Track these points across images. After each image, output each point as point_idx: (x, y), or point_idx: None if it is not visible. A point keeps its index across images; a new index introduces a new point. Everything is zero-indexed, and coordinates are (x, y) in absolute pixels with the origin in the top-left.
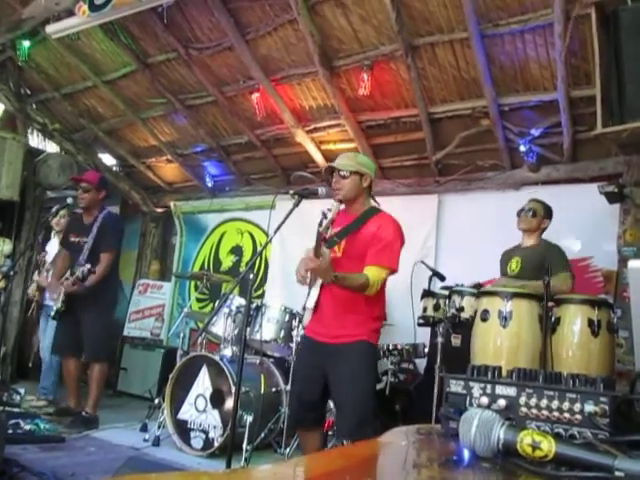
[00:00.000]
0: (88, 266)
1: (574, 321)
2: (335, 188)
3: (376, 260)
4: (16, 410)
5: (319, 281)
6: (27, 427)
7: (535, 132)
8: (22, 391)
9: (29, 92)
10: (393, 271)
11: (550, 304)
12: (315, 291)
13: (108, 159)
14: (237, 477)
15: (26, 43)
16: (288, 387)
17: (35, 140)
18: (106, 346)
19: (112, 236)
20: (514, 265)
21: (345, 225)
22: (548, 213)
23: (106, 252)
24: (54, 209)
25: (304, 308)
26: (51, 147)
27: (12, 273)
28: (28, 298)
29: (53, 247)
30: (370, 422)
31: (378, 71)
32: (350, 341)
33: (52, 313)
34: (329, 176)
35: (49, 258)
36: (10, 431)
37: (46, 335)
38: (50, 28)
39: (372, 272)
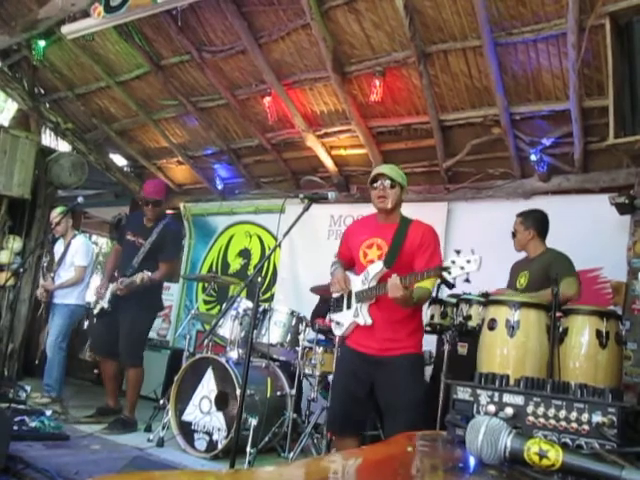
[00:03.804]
0: (149, 274)
1: (582, 332)
2: (380, 195)
3: None
4: (22, 407)
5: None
6: (32, 424)
7: (546, 142)
8: (28, 388)
9: (43, 91)
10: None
11: (558, 314)
12: (365, 308)
13: (119, 159)
14: (242, 477)
15: (41, 43)
16: (293, 391)
17: (48, 139)
18: (141, 352)
19: (174, 247)
20: (522, 280)
21: (390, 240)
22: (530, 222)
23: (166, 262)
24: (63, 209)
25: (337, 322)
26: (63, 146)
27: (21, 270)
28: (37, 297)
29: (59, 249)
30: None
31: (390, 77)
32: (401, 353)
33: (96, 311)
34: (370, 184)
35: (56, 258)
36: (15, 428)
37: (50, 332)
38: (65, 28)
39: (429, 283)
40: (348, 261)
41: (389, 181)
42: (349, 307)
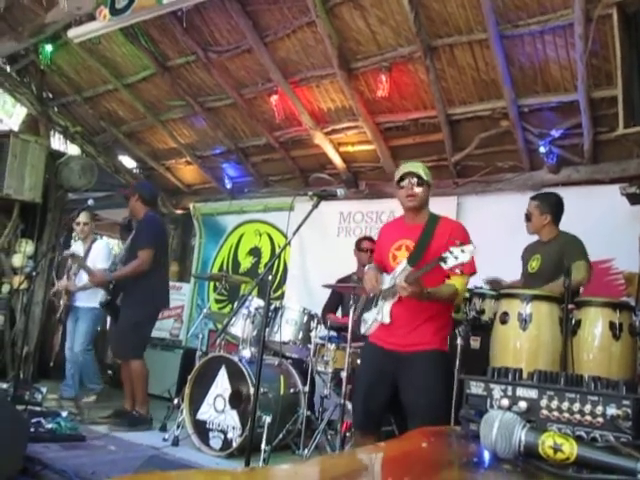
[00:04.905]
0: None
1: (595, 324)
2: (410, 194)
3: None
4: (38, 409)
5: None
6: (49, 426)
7: (555, 133)
8: (44, 390)
9: (51, 96)
10: (474, 274)
11: (570, 306)
12: (388, 305)
13: (128, 161)
14: (258, 475)
15: (48, 47)
16: (306, 388)
17: (57, 143)
18: (132, 345)
19: (147, 234)
20: (534, 263)
21: (416, 239)
22: (546, 207)
23: (141, 249)
24: (76, 211)
25: (363, 320)
26: (72, 150)
27: (34, 274)
28: (50, 299)
29: (76, 250)
30: None
31: (396, 72)
32: (423, 349)
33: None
34: (397, 184)
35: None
36: (32, 429)
37: (76, 337)
38: (72, 32)
39: (458, 281)
40: (381, 265)
41: (416, 179)
42: (376, 305)
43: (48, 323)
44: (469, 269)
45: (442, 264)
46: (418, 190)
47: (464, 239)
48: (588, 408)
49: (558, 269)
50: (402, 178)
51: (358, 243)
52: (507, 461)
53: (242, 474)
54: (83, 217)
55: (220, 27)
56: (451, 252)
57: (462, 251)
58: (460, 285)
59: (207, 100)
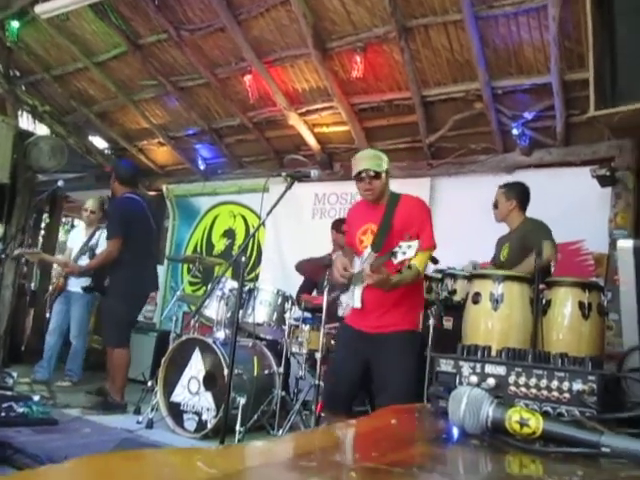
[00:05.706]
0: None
1: (565, 304)
2: (367, 189)
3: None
4: (9, 393)
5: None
6: (20, 410)
7: (528, 115)
8: (15, 374)
9: (18, 74)
10: (434, 249)
11: (541, 287)
12: (359, 290)
13: (100, 142)
14: (231, 452)
15: (15, 24)
16: (281, 369)
17: (25, 122)
18: (116, 333)
19: (113, 222)
20: (505, 252)
21: (378, 225)
22: (512, 193)
23: (108, 239)
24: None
25: (340, 302)
26: (41, 129)
27: (4, 257)
28: (20, 283)
29: (77, 235)
30: None
31: (371, 53)
32: (395, 330)
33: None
34: (355, 176)
35: (74, 249)
36: (3, 414)
37: (72, 323)
38: (39, 8)
39: (418, 260)
40: (354, 249)
41: (373, 172)
42: (350, 289)
43: (19, 307)
44: (427, 244)
45: (392, 259)
46: (375, 183)
47: (422, 218)
48: (555, 384)
49: (523, 252)
50: (359, 172)
51: (337, 225)
52: (475, 436)
53: (215, 451)
54: (91, 204)
55: (193, 5)
56: (400, 247)
57: (409, 246)
58: (420, 264)
59: (180, 80)
